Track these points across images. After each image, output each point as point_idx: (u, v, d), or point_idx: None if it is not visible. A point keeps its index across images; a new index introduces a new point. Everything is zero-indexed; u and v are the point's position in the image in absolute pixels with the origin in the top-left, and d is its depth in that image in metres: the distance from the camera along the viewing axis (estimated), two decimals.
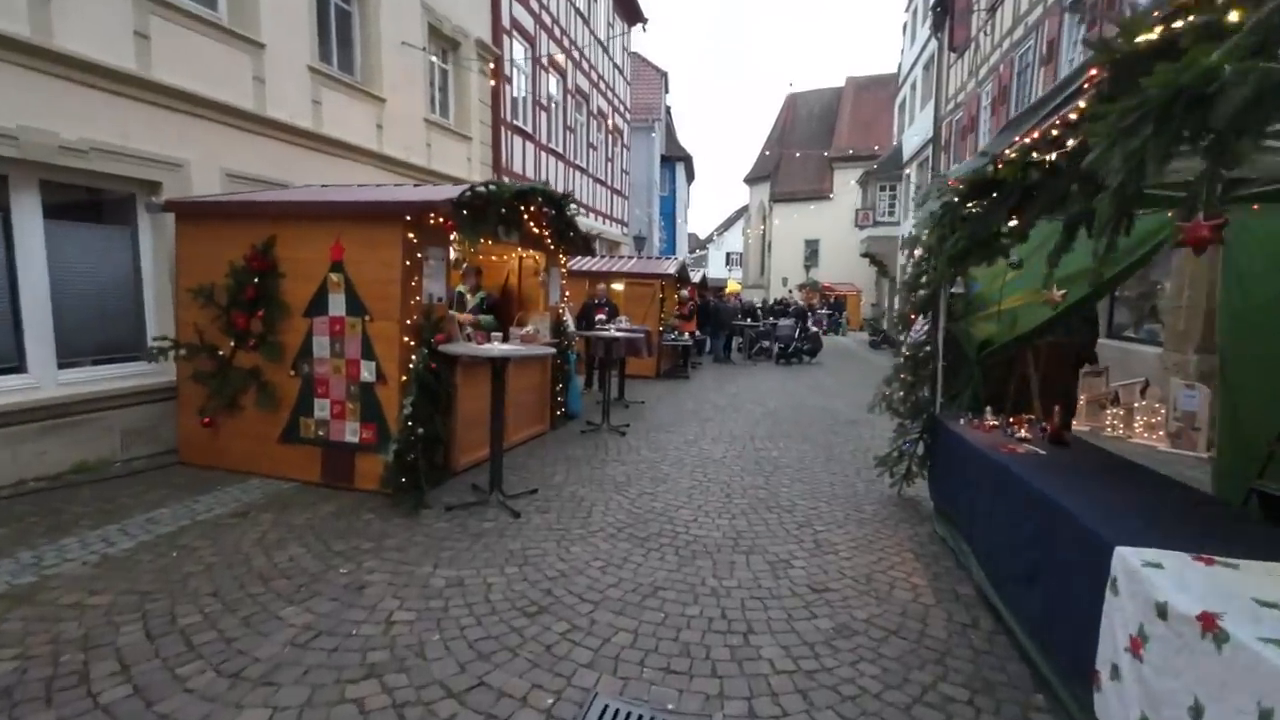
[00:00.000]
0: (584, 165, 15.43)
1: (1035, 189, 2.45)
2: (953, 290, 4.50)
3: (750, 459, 6.33)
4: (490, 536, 4.03)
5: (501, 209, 5.24)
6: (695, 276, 16.50)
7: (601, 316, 9.45)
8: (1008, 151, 2.60)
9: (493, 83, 10.25)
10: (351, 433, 4.77)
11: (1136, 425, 7.12)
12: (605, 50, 16.74)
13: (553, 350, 4.61)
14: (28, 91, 4.45)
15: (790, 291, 33.17)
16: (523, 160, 11.95)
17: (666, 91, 27.37)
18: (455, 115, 9.98)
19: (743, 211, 45.55)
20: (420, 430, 4.58)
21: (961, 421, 4.15)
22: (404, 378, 4.60)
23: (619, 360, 9.32)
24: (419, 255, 4.69)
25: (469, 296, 7.07)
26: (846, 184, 32.55)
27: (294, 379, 4.88)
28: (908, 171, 23.27)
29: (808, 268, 35.57)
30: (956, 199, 2.95)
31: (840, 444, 7.10)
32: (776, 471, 5.87)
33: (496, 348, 4.55)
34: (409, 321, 4.66)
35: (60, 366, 4.92)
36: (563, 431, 7.20)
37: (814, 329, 17.27)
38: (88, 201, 5.09)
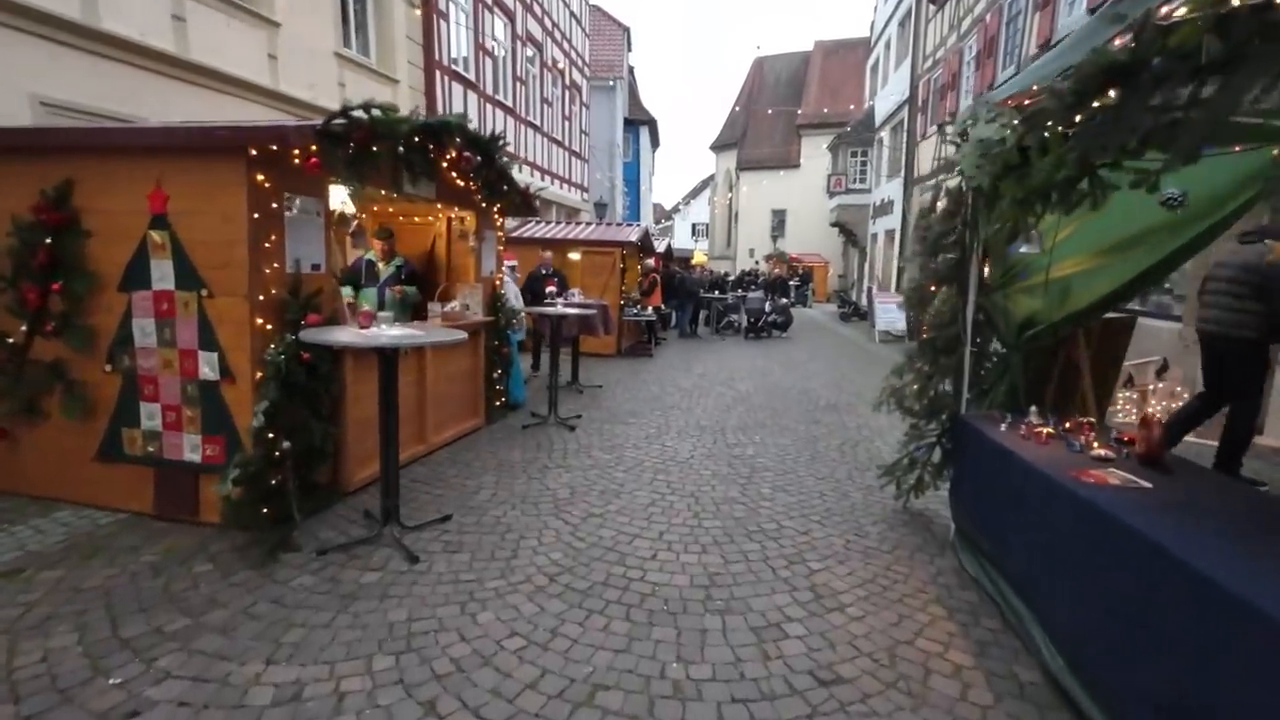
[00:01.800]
0: (537, 122, 13.97)
1: (1235, 57, 1.38)
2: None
3: (723, 458, 5.30)
4: (368, 599, 2.89)
5: (399, 147, 3.97)
6: (660, 247, 15.33)
7: (551, 289, 8.25)
8: (1169, 7, 1.51)
9: (418, 12, 8.75)
10: (192, 448, 3.54)
11: (1154, 410, 6.32)
12: None
13: (463, 336, 3.41)
14: None
15: (757, 263, 32.23)
16: (464, 111, 10.49)
17: (629, 49, 25.68)
18: (377, 53, 8.48)
19: (709, 181, 44.23)
20: (284, 444, 3.38)
21: (1002, 427, 3.15)
22: (259, 374, 3.38)
23: (572, 339, 8.16)
24: (273, 205, 3.42)
25: (381, 265, 5.81)
26: (815, 151, 31.53)
27: (112, 376, 3.60)
28: (880, 135, 22.30)
29: (775, 238, 34.65)
30: (1056, 103, 1.86)
31: (824, 436, 6.13)
32: (754, 476, 4.85)
33: (384, 334, 3.34)
34: (262, 297, 3.41)
35: None
36: (500, 427, 6.04)
37: (784, 301, 16.34)
38: None
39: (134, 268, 3.48)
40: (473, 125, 4.79)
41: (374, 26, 8.47)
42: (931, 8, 16.19)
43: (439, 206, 5.57)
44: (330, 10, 7.42)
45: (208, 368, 3.46)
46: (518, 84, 12.78)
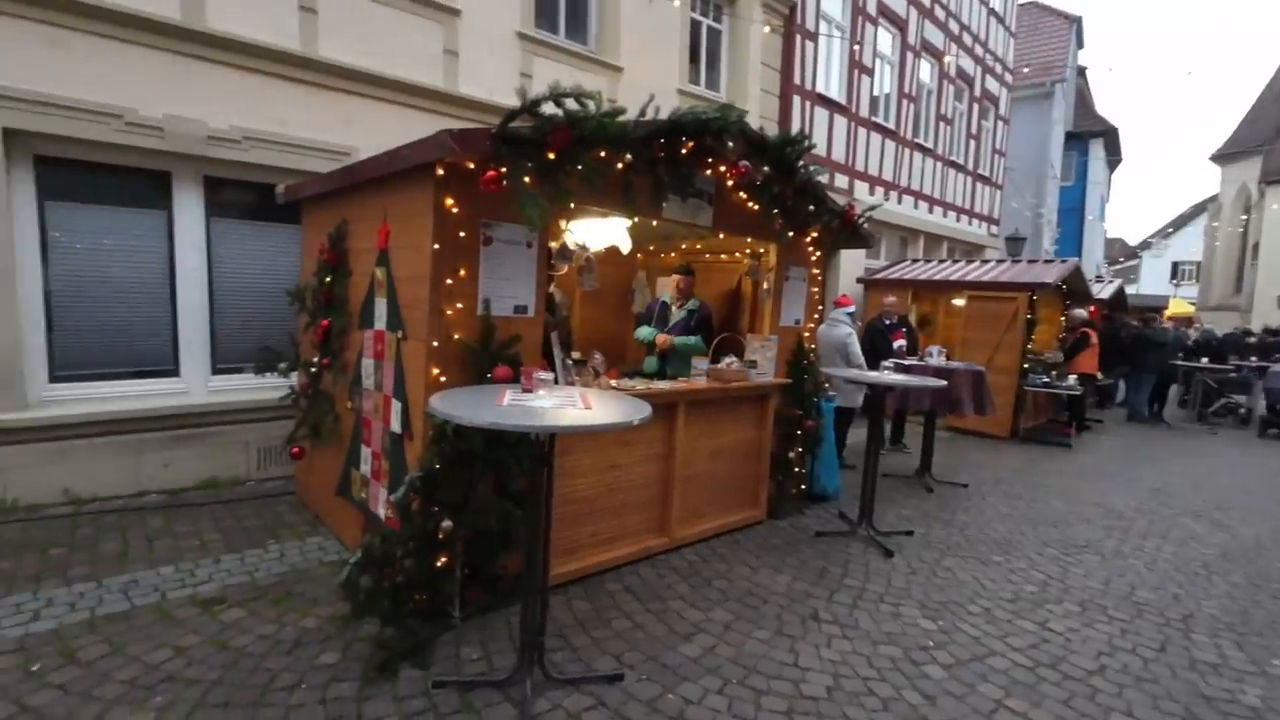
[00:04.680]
0: (929, 144, 11.71)
1: None
2: None
3: (1179, 696, 2.67)
4: None
5: (625, 153, 3.02)
6: (1102, 292, 11.05)
7: (899, 343, 6.27)
8: None
9: (768, 30, 7.92)
10: (382, 504, 3.20)
11: None
12: None
13: (639, 416, 2.14)
14: (176, 79, 4.15)
15: None
16: (829, 139, 9.28)
17: (1078, 45, 20.33)
18: (728, 84, 8.01)
19: (1205, 205, 32.00)
20: (444, 523, 2.72)
21: None
22: (429, 432, 2.80)
23: (926, 414, 5.99)
24: (461, 234, 2.83)
25: (674, 308, 5.04)
26: None
27: (351, 413, 3.58)
28: None
29: None
30: None
31: None
32: None
33: (526, 405, 2.35)
34: (437, 343, 2.84)
35: (214, 373, 4.65)
36: (786, 526, 4.50)
37: None
38: (260, 198, 4.74)
39: (365, 306, 3.37)
40: (739, 112, 3.53)
41: (726, 58, 8.03)
42: None
43: (720, 236, 4.46)
44: (677, 48, 7.22)
45: (395, 419, 3.07)
46: (904, 102, 10.89)
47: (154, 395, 4.38)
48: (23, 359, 3.89)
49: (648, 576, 3.57)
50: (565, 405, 2.38)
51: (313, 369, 3.94)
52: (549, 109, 2.71)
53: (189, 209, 4.45)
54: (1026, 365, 8.06)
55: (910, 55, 10.99)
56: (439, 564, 2.82)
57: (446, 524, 2.77)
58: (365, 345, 3.36)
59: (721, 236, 4.46)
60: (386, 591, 2.70)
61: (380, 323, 3.20)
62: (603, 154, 2.90)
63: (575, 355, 4.00)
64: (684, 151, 3.32)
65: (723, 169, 3.60)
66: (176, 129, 4.17)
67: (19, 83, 3.67)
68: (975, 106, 13.30)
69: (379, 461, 3.23)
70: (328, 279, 3.66)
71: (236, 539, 3.70)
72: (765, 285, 4.47)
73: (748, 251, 4.82)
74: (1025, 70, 16.01)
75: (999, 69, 14.08)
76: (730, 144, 3.47)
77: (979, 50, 13.15)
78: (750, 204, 3.97)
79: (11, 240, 3.79)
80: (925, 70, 11.63)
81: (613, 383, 3.62)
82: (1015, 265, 9.17)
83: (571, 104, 2.70)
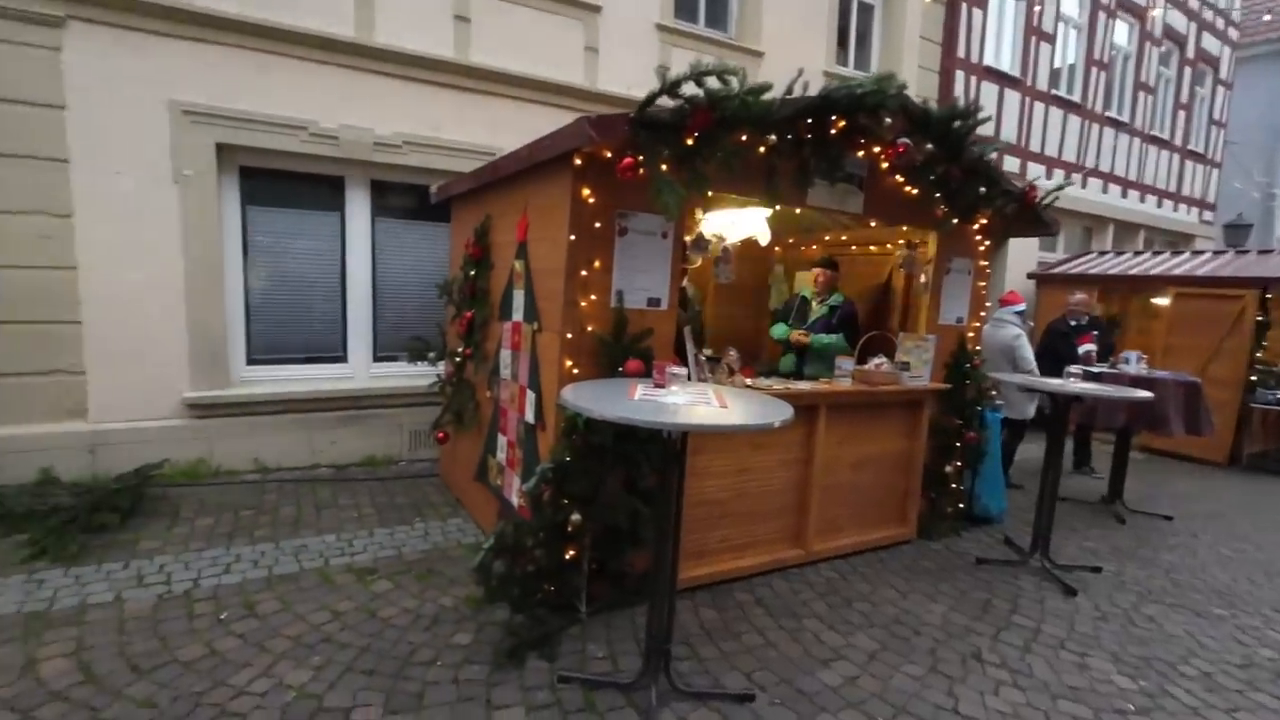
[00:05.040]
0: (1122, 117, 10.06)
1: None
2: None
3: None
4: None
5: (769, 134, 2.79)
6: None
7: (1087, 347, 5.43)
8: None
9: None
10: (516, 492, 3.26)
11: None
12: None
13: (779, 418, 1.89)
14: (348, 91, 4.55)
15: None
16: (998, 117, 8.26)
17: None
18: (880, 63, 7.40)
19: None
20: (573, 516, 2.70)
21: None
22: (560, 424, 2.79)
23: (1119, 431, 5.13)
24: (596, 225, 2.78)
25: (815, 304, 4.72)
26: None
27: (489, 401, 3.70)
28: None
29: None
30: None
31: None
32: None
33: (657, 400, 2.23)
34: (571, 335, 2.81)
35: (375, 360, 5.07)
36: (941, 549, 4.02)
37: None
38: (416, 199, 5.09)
39: (504, 298, 3.45)
40: (901, 84, 3.17)
41: (879, 33, 7.40)
42: None
43: (871, 225, 4.05)
44: (824, 28, 6.76)
45: (530, 409, 3.10)
46: (1092, 70, 9.43)
47: (326, 379, 4.86)
48: (228, 344, 4.48)
49: (780, 590, 3.32)
50: (699, 402, 2.23)
51: (457, 358, 4.14)
52: (688, 92, 2.57)
53: (358, 210, 4.88)
54: (1254, 377, 6.63)
55: (1103, 15, 9.51)
56: (568, 556, 2.80)
57: (576, 517, 2.74)
58: (504, 336, 3.44)
59: (873, 225, 4.06)
60: (517, 579, 2.72)
61: (518, 314, 3.26)
62: (744, 137, 2.71)
63: (707, 351, 3.83)
64: (833, 131, 3.04)
65: (877, 149, 3.25)
66: (349, 137, 4.57)
67: (231, 103, 4.21)
68: (1187, 70, 11.25)
69: (514, 450, 3.29)
70: (472, 273, 3.81)
71: (388, 514, 3.98)
72: (923, 278, 4.01)
73: (901, 242, 4.37)
74: (1267, 18, 13.23)
75: (1221, 24, 11.79)
76: (887, 121, 3.12)
77: (1194, 3, 11.09)
78: (908, 188, 3.56)
79: (222, 241, 4.37)
80: (1121, 32, 10.02)
81: (748, 381, 3.42)
82: (1240, 257, 7.60)
83: (713, 83, 2.54)
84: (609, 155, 2.67)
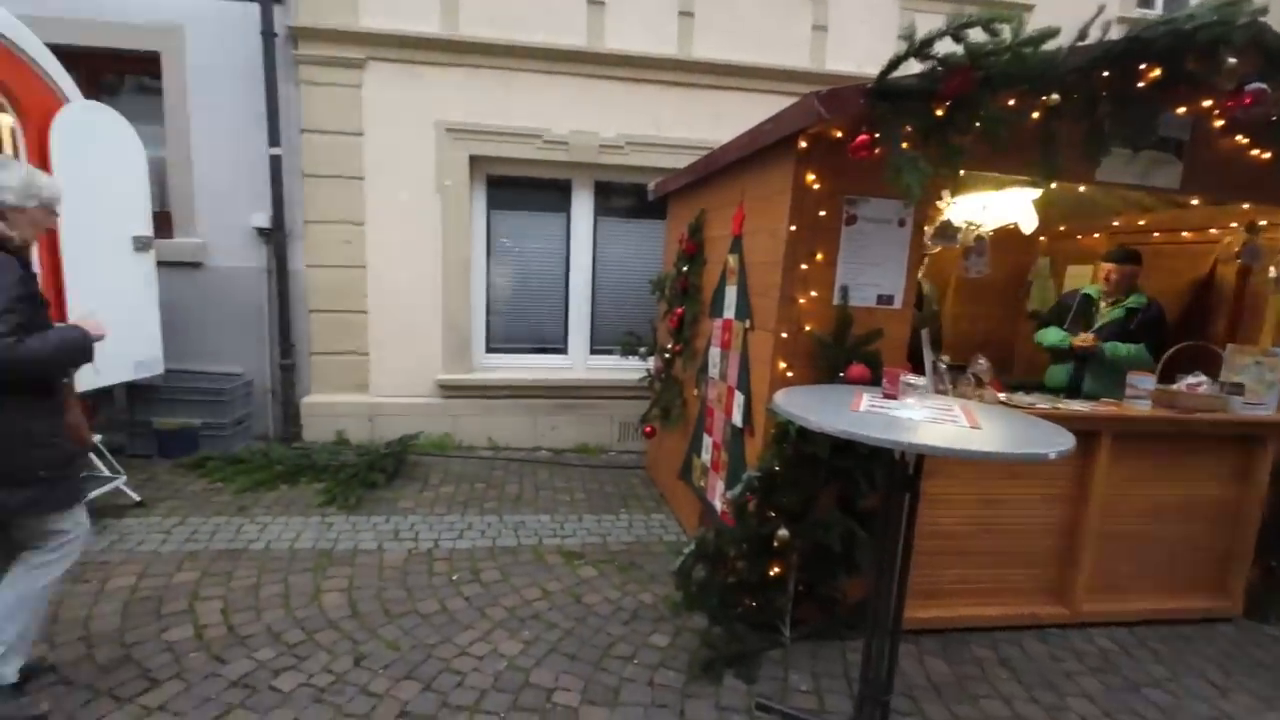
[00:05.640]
0: None
1: None
2: None
3: None
4: None
5: (1050, 93, 2.24)
6: None
7: None
8: None
9: None
10: (719, 496, 3.12)
11: None
12: None
13: (1059, 448, 1.42)
14: (577, 98, 4.82)
15: None
16: None
17: None
18: None
19: None
20: (780, 530, 2.50)
21: None
22: (770, 430, 2.59)
23: None
24: (820, 213, 2.50)
25: (1104, 304, 3.77)
26: None
27: (697, 400, 3.61)
28: None
29: None
30: None
31: None
32: None
33: (890, 414, 1.89)
34: (785, 335, 2.57)
35: (591, 353, 5.33)
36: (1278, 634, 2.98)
37: None
38: (634, 197, 5.23)
39: (716, 294, 3.32)
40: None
41: None
42: None
43: (1193, 203, 3.10)
44: None
45: (737, 412, 2.93)
46: None
47: (548, 369, 5.25)
48: (472, 334, 5.05)
49: (1034, 652, 2.72)
50: (943, 419, 1.86)
51: (666, 354, 4.14)
52: (942, 52, 2.16)
53: (582, 210, 5.17)
54: None
55: None
56: (772, 573, 2.59)
57: (783, 532, 2.52)
58: (714, 334, 3.33)
59: (1194, 203, 3.14)
60: (717, 588, 2.60)
61: (729, 311, 3.11)
62: (1012, 101, 2.22)
63: (946, 358, 3.29)
64: (1141, 84, 2.36)
65: (1208, 103, 2.47)
66: (577, 141, 4.85)
67: (481, 119, 4.73)
68: None
69: (719, 452, 3.16)
70: (685, 268, 3.76)
71: (596, 502, 4.13)
72: (1272, 272, 2.99)
73: (1235, 225, 3.30)
74: None
75: None
76: (1230, 61, 2.33)
77: None
78: (1255, 150, 2.66)
79: (471, 243, 4.94)
80: None
81: (1001, 396, 2.85)
82: None
83: (976, 37, 2.11)
84: (838, 135, 2.39)
